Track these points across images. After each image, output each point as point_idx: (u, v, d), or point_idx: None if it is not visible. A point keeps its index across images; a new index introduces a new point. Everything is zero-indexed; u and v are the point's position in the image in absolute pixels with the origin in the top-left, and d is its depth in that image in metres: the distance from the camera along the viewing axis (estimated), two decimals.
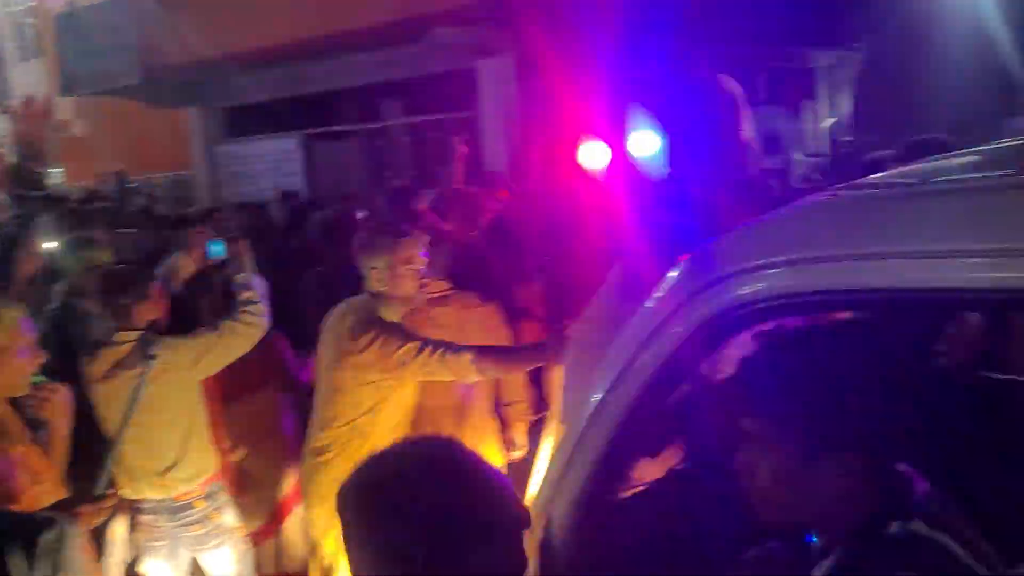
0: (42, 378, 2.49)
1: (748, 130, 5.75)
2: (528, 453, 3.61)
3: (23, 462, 2.36)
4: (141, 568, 3.25)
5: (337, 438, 3.00)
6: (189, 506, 3.20)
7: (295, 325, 3.87)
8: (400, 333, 2.90)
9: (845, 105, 15.41)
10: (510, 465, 3.58)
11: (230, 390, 3.49)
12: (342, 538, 1.19)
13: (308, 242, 5.09)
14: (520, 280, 4.04)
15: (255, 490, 3.69)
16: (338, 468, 2.95)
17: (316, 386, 3.17)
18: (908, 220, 1.22)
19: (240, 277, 3.41)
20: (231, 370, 3.31)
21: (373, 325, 2.91)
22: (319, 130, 10.90)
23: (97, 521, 2.52)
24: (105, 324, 3.18)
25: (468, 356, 2.81)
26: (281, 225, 6.35)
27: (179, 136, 11.77)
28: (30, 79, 18.16)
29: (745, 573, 1.57)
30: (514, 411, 3.73)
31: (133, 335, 3.11)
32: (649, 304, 1.47)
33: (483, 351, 2.87)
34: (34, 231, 4.70)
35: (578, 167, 4.08)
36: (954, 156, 1.72)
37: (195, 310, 3.67)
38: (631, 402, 1.44)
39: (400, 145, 11.59)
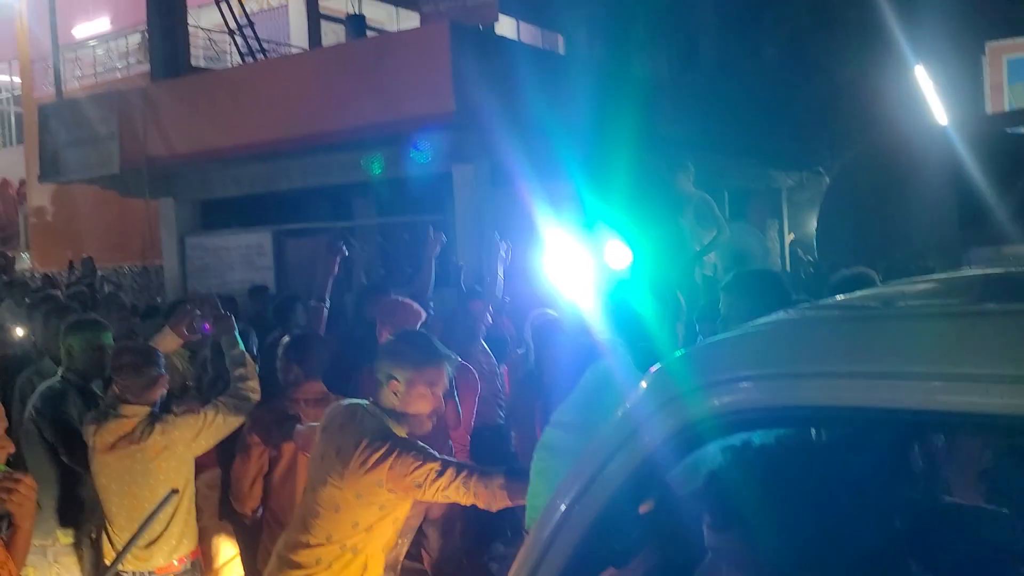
0: (5, 468, 2.42)
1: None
2: None
3: None
4: None
5: (325, 555, 2.69)
6: None
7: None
8: (415, 451, 2.57)
9: (806, 225, 15.93)
10: None
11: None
12: None
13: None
14: None
15: None
16: None
17: (306, 487, 2.87)
18: (873, 341, 1.26)
19: (234, 353, 3.51)
20: None
21: (384, 440, 2.60)
22: (291, 226, 10.97)
23: None
24: (113, 399, 3.34)
25: (499, 481, 2.47)
26: (252, 317, 6.38)
27: (150, 226, 11.77)
28: (9, 164, 18.22)
29: None
30: None
31: (141, 411, 3.28)
32: (620, 413, 1.48)
33: (515, 475, 2.47)
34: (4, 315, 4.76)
35: (548, 273, 4.14)
36: (917, 282, 1.79)
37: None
38: (600, 511, 1.43)
39: (371, 244, 11.68)
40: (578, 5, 17.31)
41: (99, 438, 3.24)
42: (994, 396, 1.07)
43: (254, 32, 12.23)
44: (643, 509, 1.53)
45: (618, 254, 3.82)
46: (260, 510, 3.68)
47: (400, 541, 3.77)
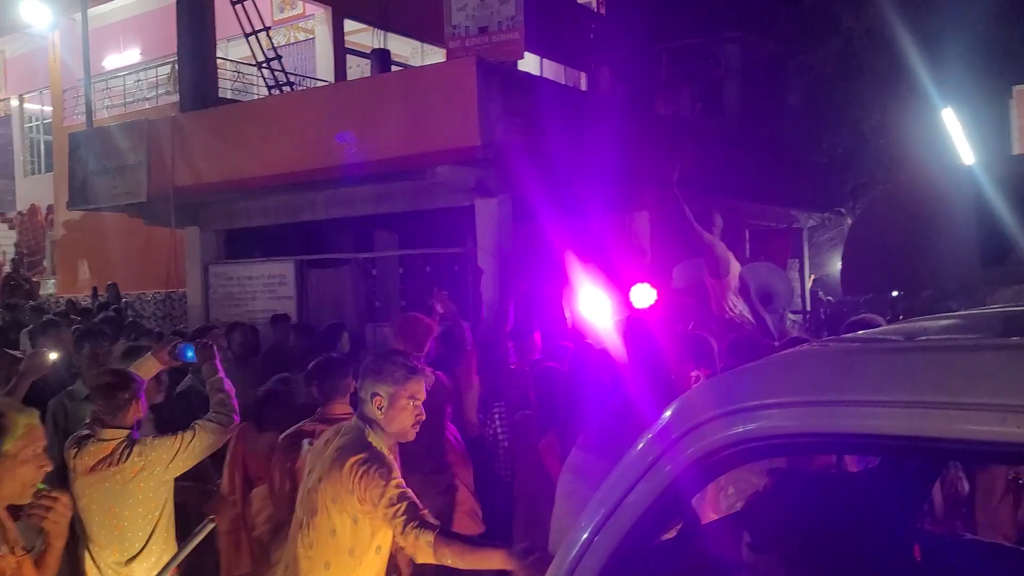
0: (44, 486, 2.49)
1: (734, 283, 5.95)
2: None
3: (15, 574, 2.28)
4: None
5: (311, 569, 2.87)
6: None
7: None
8: (387, 473, 2.75)
9: (827, 265, 15.88)
10: None
11: None
12: None
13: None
14: None
15: None
16: None
17: (298, 500, 3.07)
18: (893, 373, 1.29)
19: (213, 380, 3.66)
20: None
21: (362, 451, 2.80)
22: (313, 257, 11.09)
23: None
24: (93, 422, 3.44)
25: (429, 537, 2.60)
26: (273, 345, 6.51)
27: (175, 254, 11.93)
28: (38, 192, 18.54)
29: None
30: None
31: (119, 433, 3.38)
32: (645, 439, 1.51)
33: (448, 537, 2.63)
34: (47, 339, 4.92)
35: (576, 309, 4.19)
36: (938, 319, 1.81)
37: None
38: (624, 535, 1.45)
39: (391, 276, 11.78)
40: (603, 45, 17.53)
41: (80, 461, 3.33)
42: (1011, 425, 1.10)
43: (281, 65, 12.46)
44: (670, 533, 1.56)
45: (642, 293, 3.85)
46: None
47: None
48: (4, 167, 20.38)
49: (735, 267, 6.53)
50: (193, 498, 3.81)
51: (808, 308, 13.46)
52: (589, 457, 2.31)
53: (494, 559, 2.55)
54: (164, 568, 2.73)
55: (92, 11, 13.80)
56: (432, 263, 10.63)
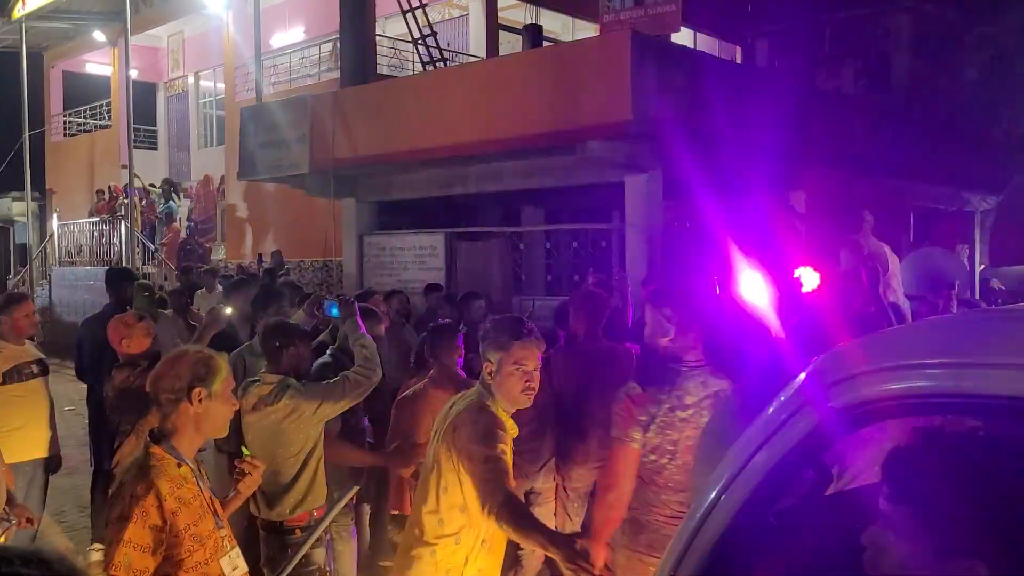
0: (248, 452, 2.90)
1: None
2: None
3: (210, 507, 2.54)
4: None
5: (429, 532, 2.93)
6: (290, 531, 3.70)
7: None
8: (489, 436, 2.80)
9: None
10: None
11: None
12: None
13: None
14: None
15: None
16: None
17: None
18: None
19: (356, 336, 3.94)
20: None
21: (474, 412, 2.89)
22: (462, 230, 11.32)
23: None
24: (262, 366, 3.91)
25: (499, 498, 2.63)
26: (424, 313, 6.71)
27: (332, 225, 12.46)
28: (209, 164, 19.82)
29: None
30: None
31: (276, 378, 3.77)
32: (795, 384, 1.58)
33: (511, 508, 2.63)
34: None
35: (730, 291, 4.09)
36: None
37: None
38: (768, 471, 1.54)
39: (538, 251, 11.88)
40: (761, 17, 16.87)
41: (245, 400, 3.69)
42: None
43: (436, 41, 12.71)
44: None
45: (806, 276, 3.70)
46: None
47: None
48: (181, 140, 21.87)
49: (893, 262, 6.22)
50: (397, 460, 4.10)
51: (978, 297, 12.56)
52: (729, 419, 2.33)
53: (543, 542, 2.53)
54: (311, 533, 2.90)
55: None
56: (579, 238, 10.62)
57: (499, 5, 15.88)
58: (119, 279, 6.69)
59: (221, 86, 19.35)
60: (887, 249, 7.21)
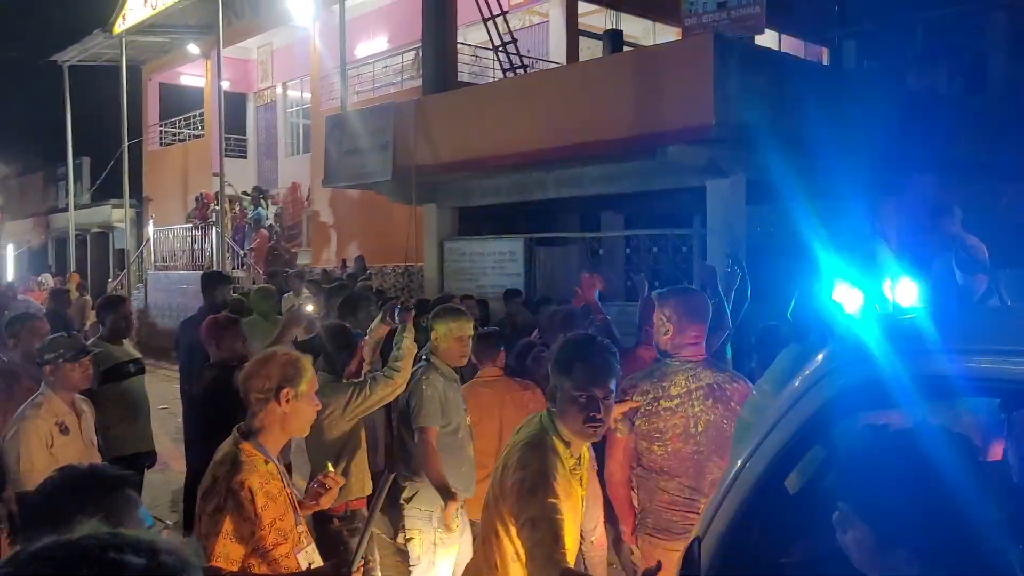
0: (331, 467, 2.95)
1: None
2: None
3: (290, 499, 2.62)
4: None
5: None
6: (328, 520, 3.79)
7: None
8: (540, 483, 2.42)
9: None
10: None
11: None
12: None
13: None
14: None
15: None
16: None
17: None
18: None
19: (399, 340, 4.07)
20: None
21: (526, 451, 2.53)
22: (542, 235, 11.34)
23: None
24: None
25: (559, 554, 2.26)
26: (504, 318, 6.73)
27: (413, 230, 12.65)
28: (295, 172, 20.36)
29: None
30: None
31: (326, 377, 3.89)
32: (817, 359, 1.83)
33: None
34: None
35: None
36: None
37: None
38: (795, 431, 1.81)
39: (617, 256, 11.80)
40: (849, 18, 16.41)
41: None
42: None
43: (516, 48, 12.77)
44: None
45: (906, 289, 3.56)
46: None
47: None
48: (269, 149, 22.53)
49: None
50: None
51: None
52: (762, 397, 2.56)
53: None
54: (362, 537, 2.81)
55: (348, 2, 14.85)
56: (659, 244, 10.52)
57: (579, 11, 15.86)
58: (214, 282, 6.92)
59: (308, 96, 19.86)
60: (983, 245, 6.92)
